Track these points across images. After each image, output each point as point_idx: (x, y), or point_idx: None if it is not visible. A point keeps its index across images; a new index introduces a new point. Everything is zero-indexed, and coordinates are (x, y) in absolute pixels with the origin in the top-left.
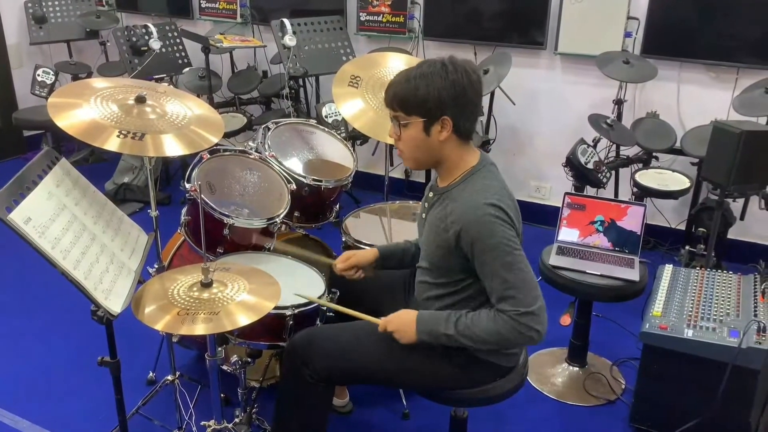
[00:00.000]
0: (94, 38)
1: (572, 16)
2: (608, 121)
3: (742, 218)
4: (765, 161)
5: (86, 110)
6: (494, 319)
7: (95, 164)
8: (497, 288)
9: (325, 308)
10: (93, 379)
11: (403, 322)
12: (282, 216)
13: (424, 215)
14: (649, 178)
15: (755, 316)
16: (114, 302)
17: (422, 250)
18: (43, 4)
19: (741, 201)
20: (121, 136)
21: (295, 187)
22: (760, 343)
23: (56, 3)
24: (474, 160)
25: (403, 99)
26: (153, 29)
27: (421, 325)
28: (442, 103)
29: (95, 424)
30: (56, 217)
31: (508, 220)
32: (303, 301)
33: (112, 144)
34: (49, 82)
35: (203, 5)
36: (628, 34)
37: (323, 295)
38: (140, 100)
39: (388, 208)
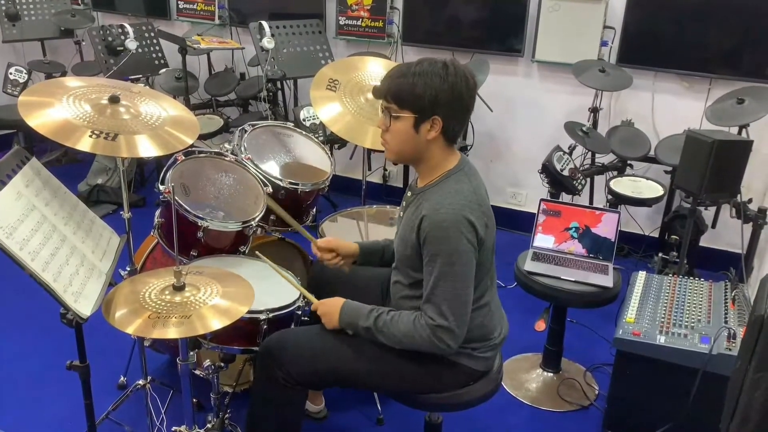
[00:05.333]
0: (69, 37)
1: (549, 24)
2: (584, 128)
3: (713, 226)
4: (736, 170)
5: (58, 109)
6: (414, 323)
7: (68, 165)
8: (428, 290)
9: (299, 312)
10: (62, 383)
11: (330, 308)
12: (257, 219)
13: (401, 214)
14: (623, 185)
15: (726, 322)
16: (84, 305)
17: (395, 250)
18: (17, 1)
19: (713, 209)
20: (94, 136)
21: (271, 190)
22: (730, 350)
23: (30, 0)
24: (453, 163)
25: (399, 92)
26: (129, 29)
27: (343, 315)
28: (436, 103)
29: (64, 429)
30: (25, 217)
31: (470, 230)
32: (277, 305)
33: (85, 144)
34: (21, 80)
35: (181, 6)
36: (604, 43)
37: (298, 299)
38: (114, 100)
39: (365, 213)
